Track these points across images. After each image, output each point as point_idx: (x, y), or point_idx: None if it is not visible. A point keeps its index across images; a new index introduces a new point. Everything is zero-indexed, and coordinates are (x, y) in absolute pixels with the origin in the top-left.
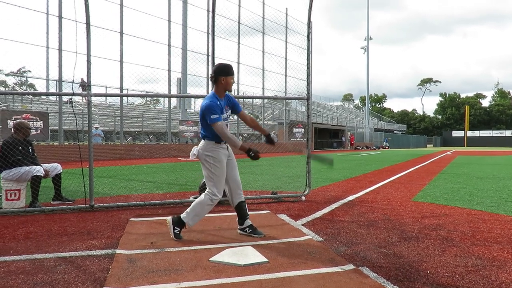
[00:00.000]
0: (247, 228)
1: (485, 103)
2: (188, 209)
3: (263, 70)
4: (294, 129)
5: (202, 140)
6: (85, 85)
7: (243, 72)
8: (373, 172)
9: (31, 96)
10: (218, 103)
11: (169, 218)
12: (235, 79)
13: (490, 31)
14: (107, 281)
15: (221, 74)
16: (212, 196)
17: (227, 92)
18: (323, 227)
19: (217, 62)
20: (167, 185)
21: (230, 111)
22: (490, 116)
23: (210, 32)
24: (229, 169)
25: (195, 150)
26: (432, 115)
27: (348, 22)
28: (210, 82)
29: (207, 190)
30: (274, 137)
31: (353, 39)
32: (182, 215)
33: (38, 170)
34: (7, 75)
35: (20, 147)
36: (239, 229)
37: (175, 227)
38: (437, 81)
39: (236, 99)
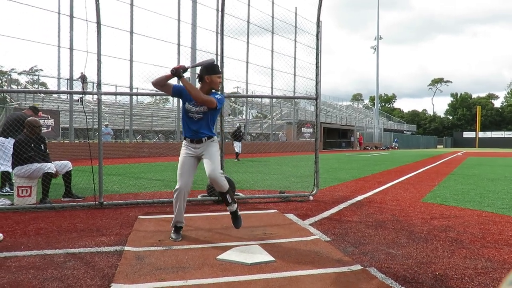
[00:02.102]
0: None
1: (497, 103)
2: None
3: (272, 69)
4: (302, 128)
5: None
6: (85, 79)
7: (252, 71)
8: (382, 172)
9: (43, 95)
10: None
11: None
12: (244, 77)
13: (501, 31)
14: (116, 277)
15: (206, 73)
16: (174, 189)
17: (214, 91)
18: (330, 227)
19: (226, 61)
20: (175, 183)
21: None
22: (502, 117)
23: (219, 31)
24: (204, 163)
25: None
26: (442, 115)
27: (355, 22)
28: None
29: None
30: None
31: (361, 39)
32: None
33: (49, 167)
34: (19, 73)
35: (33, 144)
36: None
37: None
38: (448, 81)
39: (244, 98)
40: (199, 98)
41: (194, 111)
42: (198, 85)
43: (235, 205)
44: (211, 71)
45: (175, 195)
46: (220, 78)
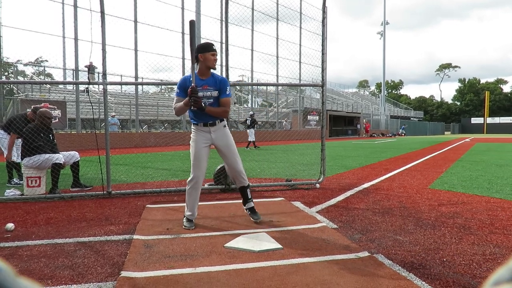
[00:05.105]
0: (247, 210)
1: (506, 88)
2: None
3: (277, 57)
4: (308, 116)
5: None
6: (93, 68)
7: (257, 59)
8: (388, 159)
9: (49, 86)
10: (188, 81)
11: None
12: (248, 65)
13: (507, 15)
14: (125, 265)
15: (199, 52)
16: (189, 179)
17: (218, 75)
18: (337, 214)
19: (231, 49)
20: (182, 172)
21: (215, 91)
22: (511, 102)
23: (224, 19)
24: (222, 156)
25: None
26: (450, 101)
27: (360, 9)
28: (224, 70)
29: None
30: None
31: (365, 25)
32: None
33: (58, 158)
34: (25, 65)
35: (42, 134)
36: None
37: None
38: (456, 66)
39: (247, 86)
40: (226, 113)
41: (204, 96)
42: (196, 67)
43: (252, 202)
44: (203, 49)
45: (190, 186)
46: (214, 56)
